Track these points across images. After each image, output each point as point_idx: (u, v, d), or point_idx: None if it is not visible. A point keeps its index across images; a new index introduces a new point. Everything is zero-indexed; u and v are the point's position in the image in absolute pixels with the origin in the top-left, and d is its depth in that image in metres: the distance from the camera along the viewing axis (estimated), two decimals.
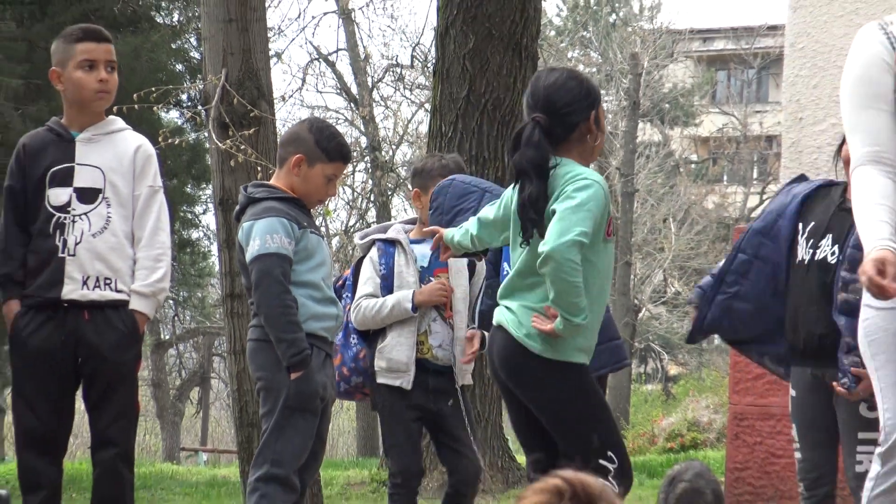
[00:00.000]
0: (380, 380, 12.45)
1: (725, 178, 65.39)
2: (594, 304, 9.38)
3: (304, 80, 44.22)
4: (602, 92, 39.52)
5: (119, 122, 10.95)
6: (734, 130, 63.19)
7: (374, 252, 12.50)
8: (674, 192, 57.40)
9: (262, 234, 10.71)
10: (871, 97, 8.10)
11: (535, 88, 9.56)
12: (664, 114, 59.87)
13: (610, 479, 9.17)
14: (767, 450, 11.41)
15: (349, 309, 12.52)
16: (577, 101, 9.46)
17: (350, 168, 45.30)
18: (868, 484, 8.59)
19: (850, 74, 8.26)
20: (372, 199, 45.54)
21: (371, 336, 12.53)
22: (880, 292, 8.09)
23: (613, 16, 56.40)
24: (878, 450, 8.39)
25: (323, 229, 44.59)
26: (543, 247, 9.15)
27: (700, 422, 30.04)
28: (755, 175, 64.99)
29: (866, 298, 8.48)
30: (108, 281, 10.67)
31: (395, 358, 12.14)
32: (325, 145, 10.95)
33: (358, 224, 46.93)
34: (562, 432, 9.56)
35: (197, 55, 27.09)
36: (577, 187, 8.97)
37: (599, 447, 9.38)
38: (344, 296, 12.78)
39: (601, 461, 9.22)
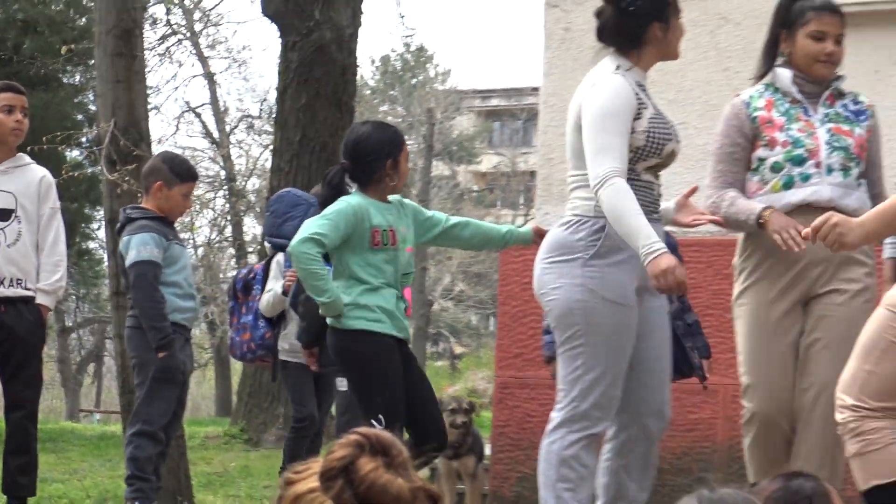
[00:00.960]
0: (283, 357, 12.98)
1: (499, 203, 65.35)
2: (375, 288, 9.49)
3: (177, 127, 44.43)
4: (406, 137, 39.09)
5: (27, 158, 11.42)
6: (506, 167, 63.18)
7: (280, 256, 12.83)
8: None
9: (137, 246, 11.05)
10: (623, 127, 8.05)
11: (347, 140, 9.78)
12: (453, 154, 59.89)
13: None
14: (524, 412, 11.30)
15: (258, 299, 13.13)
16: (376, 153, 9.55)
17: (212, 195, 45.88)
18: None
19: (605, 110, 8.14)
20: (228, 218, 45.62)
21: (276, 321, 12.98)
22: (678, 288, 8.07)
23: (415, 79, 56.34)
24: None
25: (191, 241, 45.18)
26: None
27: (478, 389, 30.01)
28: (522, 201, 65.00)
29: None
30: (19, 281, 11.13)
31: (295, 342, 12.23)
32: (176, 170, 11.39)
33: (217, 238, 47.16)
34: (356, 392, 9.70)
35: (93, 107, 26.91)
36: (331, 207, 9.33)
37: (378, 407, 9.40)
38: (254, 287, 13.40)
39: (371, 421, 9.05)
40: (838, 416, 7.29)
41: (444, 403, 11.76)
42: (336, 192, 9.57)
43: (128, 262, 11.24)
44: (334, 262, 9.62)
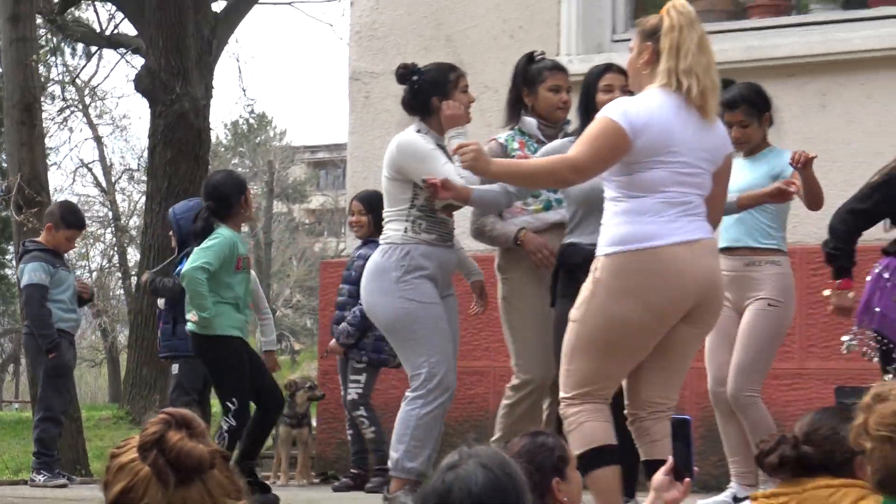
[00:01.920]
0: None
1: (326, 232, 65.42)
2: (232, 303, 9.77)
3: (73, 179, 44.22)
4: (251, 184, 38.27)
5: None
6: (330, 205, 63.18)
7: None
8: (295, 242, 57.82)
9: (28, 272, 11.49)
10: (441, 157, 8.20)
11: (207, 185, 10.11)
12: (289, 195, 59.87)
13: (230, 415, 9.53)
14: (340, 393, 11.15)
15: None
16: (232, 192, 9.79)
17: (102, 231, 46.23)
18: None
19: (417, 152, 8.28)
20: (115, 249, 45.60)
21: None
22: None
23: (258, 138, 56.22)
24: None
25: (86, 267, 45.41)
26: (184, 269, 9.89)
27: (311, 376, 30.07)
28: (343, 231, 65.52)
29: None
30: None
31: None
32: (67, 218, 11.79)
33: (107, 264, 47.14)
34: (216, 382, 10.16)
35: (5, 164, 26.64)
36: (211, 239, 9.53)
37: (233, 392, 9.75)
38: None
39: (227, 403, 9.62)
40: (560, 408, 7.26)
41: (299, 384, 11.75)
42: (207, 225, 9.72)
43: (21, 284, 11.73)
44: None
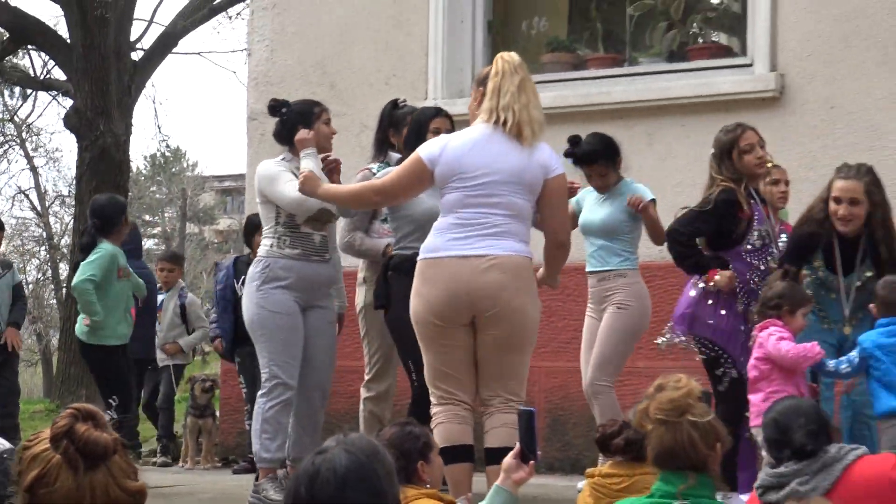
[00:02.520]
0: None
1: (232, 250, 64.84)
2: (113, 310, 9.95)
3: (13, 204, 43.70)
4: (168, 208, 37.73)
5: None
6: (236, 227, 62.19)
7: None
8: (205, 258, 57.46)
9: None
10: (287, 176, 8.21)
11: (92, 206, 10.30)
12: (200, 218, 59.28)
13: (112, 409, 9.55)
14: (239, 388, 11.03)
15: None
16: (115, 213, 10.08)
17: (37, 249, 45.73)
18: None
19: (272, 173, 8.25)
20: (49, 265, 45.08)
21: None
22: None
23: (173, 169, 55.82)
24: None
25: (25, 280, 44.96)
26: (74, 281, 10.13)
27: (215, 374, 29.74)
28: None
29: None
30: None
31: None
32: None
33: (42, 277, 46.56)
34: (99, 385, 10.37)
35: None
36: (94, 253, 9.78)
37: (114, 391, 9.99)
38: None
39: (109, 399, 9.78)
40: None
41: (196, 378, 11.85)
42: (91, 240, 9.93)
43: None
44: None
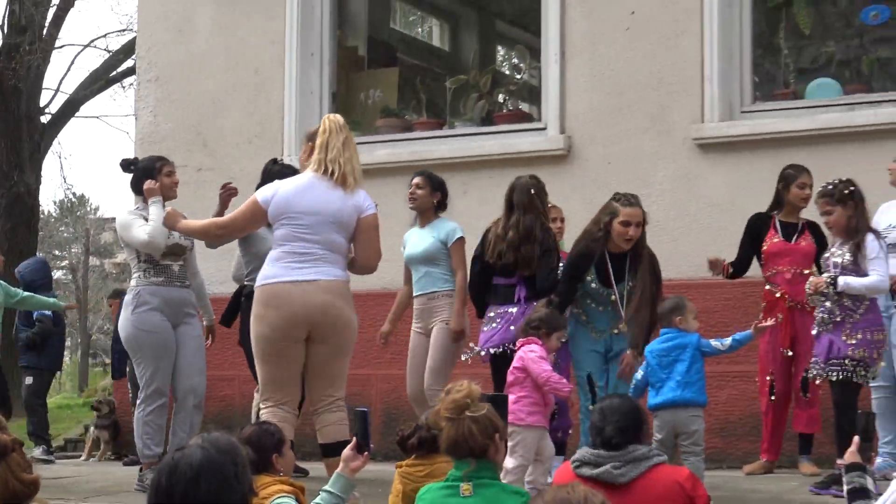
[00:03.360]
0: None
1: (127, 280, 64.04)
2: None
3: None
4: (74, 245, 36.28)
5: None
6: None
7: None
8: (106, 287, 55.83)
9: None
10: (139, 221, 8.24)
11: None
12: (101, 253, 58.08)
13: None
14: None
15: None
16: None
17: None
18: None
19: (126, 221, 8.19)
20: None
21: None
22: None
23: (79, 212, 54.96)
24: None
25: None
26: None
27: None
28: None
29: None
30: None
31: None
32: None
33: None
34: None
35: None
36: None
37: None
38: None
39: None
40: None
41: (102, 400, 11.65)
42: None
43: None
44: None
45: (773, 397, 8.11)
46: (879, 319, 7.59)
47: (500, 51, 12.02)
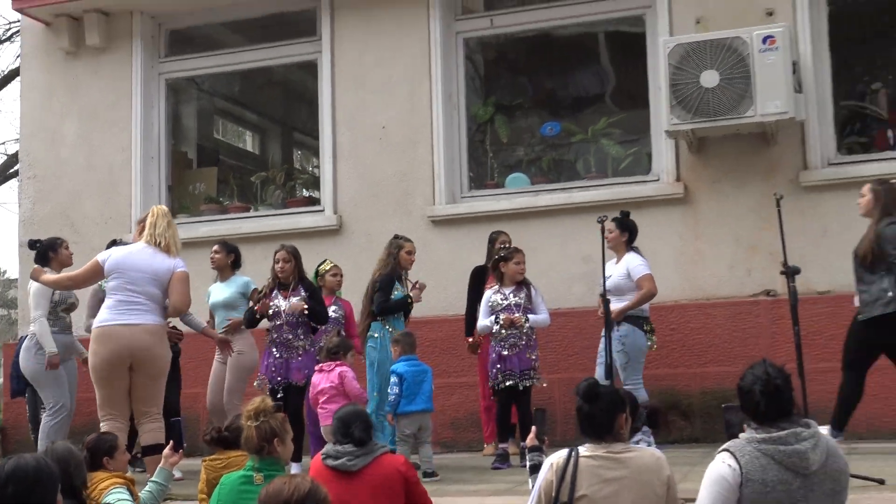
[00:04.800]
0: None
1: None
2: None
3: None
4: None
5: None
6: None
7: None
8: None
9: None
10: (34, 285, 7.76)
11: None
12: (9, 305, 54.94)
13: None
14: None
15: None
16: None
17: None
18: None
19: (31, 289, 7.73)
20: None
21: None
22: None
23: None
24: None
25: None
26: None
27: None
28: None
29: None
30: None
31: None
32: None
33: None
34: None
35: None
36: None
37: None
38: None
39: None
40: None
41: None
42: None
43: None
44: None
45: (493, 398, 7.92)
46: (537, 343, 7.68)
47: (297, 153, 11.96)
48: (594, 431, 4.13)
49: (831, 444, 3.82)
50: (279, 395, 7.48)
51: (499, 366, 7.59)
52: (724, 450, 3.76)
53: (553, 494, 4.07)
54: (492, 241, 8.40)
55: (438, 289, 8.86)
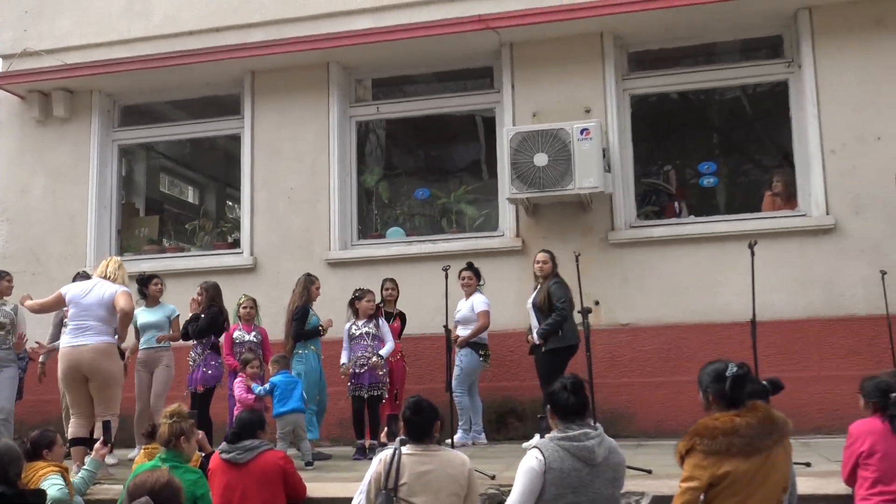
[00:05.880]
0: None
1: None
2: None
3: None
4: None
5: None
6: None
7: None
8: None
9: None
10: None
11: None
12: None
13: None
14: None
15: None
16: None
17: None
18: None
19: None
20: None
21: None
22: None
23: None
24: None
25: None
26: None
27: None
28: None
29: None
30: None
31: None
32: None
33: None
34: None
35: None
36: None
37: None
38: None
39: None
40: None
41: None
42: None
43: None
44: None
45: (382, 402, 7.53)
46: (387, 364, 7.48)
47: (227, 204, 11.80)
48: (417, 436, 4.34)
49: (612, 443, 4.03)
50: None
51: (353, 381, 7.58)
52: (535, 447, 3.94)
53: (382, 482, 4.22)
54: (382, 286, 8.40)
55: (333, 316, 8.64)
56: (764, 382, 4.08)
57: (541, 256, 7.50)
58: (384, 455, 4.33)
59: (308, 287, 7.89)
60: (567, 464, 3.90)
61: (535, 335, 7.24)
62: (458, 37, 8.83)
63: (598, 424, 4.06)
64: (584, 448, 3.92)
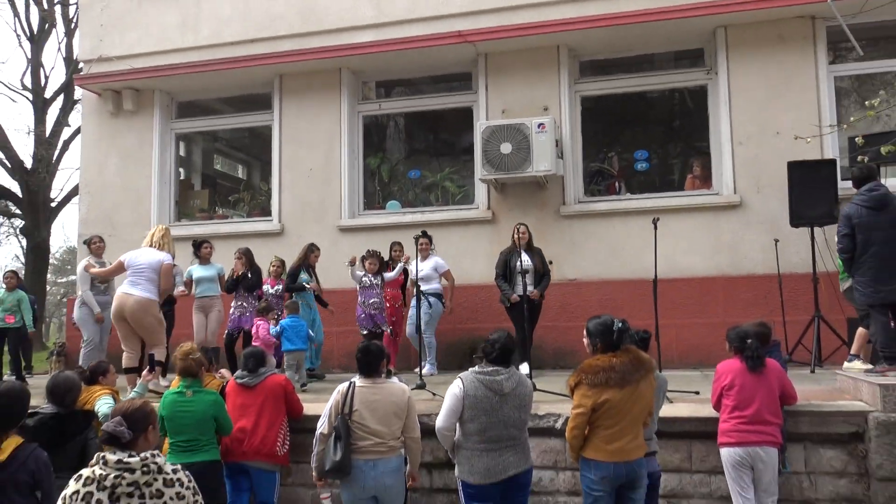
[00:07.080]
0: None
1: None
2: None
3: None
4: None
5: None
6: None
7: None
8: None
9: None
10: None
11: None
12: None
13: None
14: None
15: None
16: None
17: None
18: None
19: None
20: None
21: None
22: None
23: None
24: None
25: None
26: None
27: None
28: None
29: None
30: None
31: None
32: None
33: None
34: None
35: None
36: None
37: None
38: None
39: None
40: None
41: None
42: None
43: None
44: None
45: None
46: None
47: (263, 180, 11.84)
48: (367, 371, 4.51)
49: (522, 377, 4.15)
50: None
51: (361, 322, 7.61)
52: (459, 378, 4.15)
53: (339, 408, 4.42)
54: (391, 248, 8.31)
55: (344, 270, 8.49)
56: (639, 333, 4.27)
57: (522, 228, 7.37)
58: (342, 387, 4.49)
59: (308, 254, 7.78)
60: (480, 392, 4.12)
61: (530, 291, 7.04)
62: (443, 48, 8.87)
63: (512, 367, 4.14)
64: (494, 382, 4.15)
